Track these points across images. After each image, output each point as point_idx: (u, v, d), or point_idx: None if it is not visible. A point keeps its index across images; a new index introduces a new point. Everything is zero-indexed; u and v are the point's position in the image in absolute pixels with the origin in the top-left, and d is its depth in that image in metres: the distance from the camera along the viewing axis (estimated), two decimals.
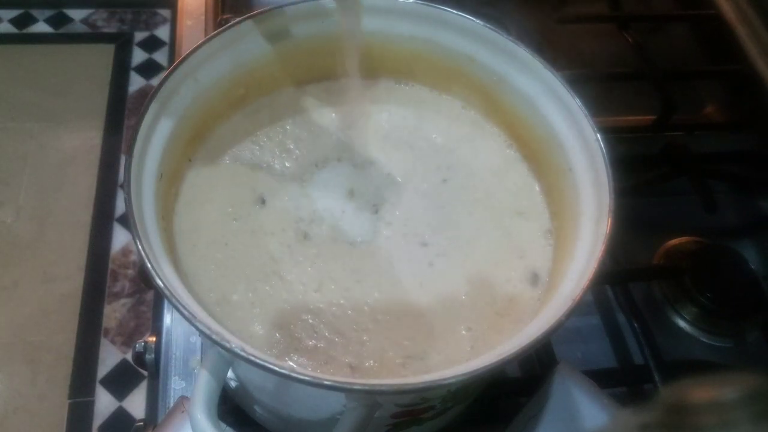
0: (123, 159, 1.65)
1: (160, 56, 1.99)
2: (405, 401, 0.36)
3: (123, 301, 1.51)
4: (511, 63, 0.44)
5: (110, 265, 1.56)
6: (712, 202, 0.62)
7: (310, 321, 0.38)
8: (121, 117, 1.83)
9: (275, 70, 0.47)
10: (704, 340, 0.58)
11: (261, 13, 0.43)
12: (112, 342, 1.45)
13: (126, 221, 0.35)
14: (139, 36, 2.02)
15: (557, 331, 0.31)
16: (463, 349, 0.37)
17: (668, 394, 0.26)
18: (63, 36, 2.00)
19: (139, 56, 1.97)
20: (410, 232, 0.43)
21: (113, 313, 1.50)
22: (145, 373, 0.52)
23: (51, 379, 1.39)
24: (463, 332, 0.38)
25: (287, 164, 0.45)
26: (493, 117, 0.48)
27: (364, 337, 0.38)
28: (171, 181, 0.41)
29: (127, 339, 1.46)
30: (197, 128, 0.43)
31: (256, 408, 0.44)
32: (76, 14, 2.05)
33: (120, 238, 1.61)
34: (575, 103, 0.41)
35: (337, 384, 0.29)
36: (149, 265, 0.32)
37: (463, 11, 0.44)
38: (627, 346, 0.56)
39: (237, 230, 0.41)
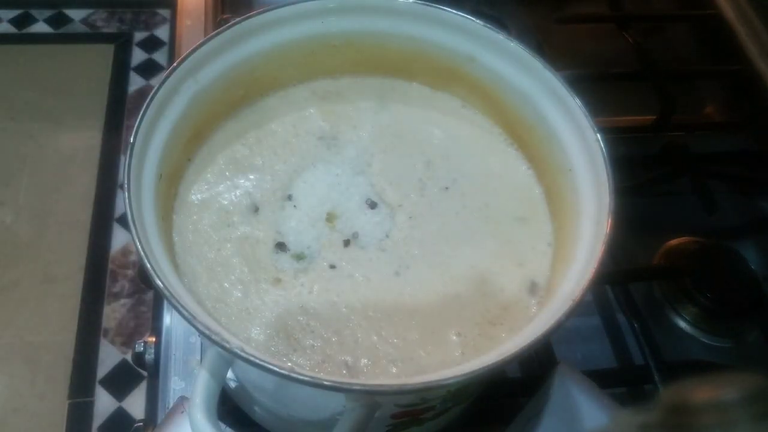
0: (123, 159, 1.65)
1: (160, 56, 1.98)
2: (405, 401, 0.36)
3: (123, 301, 1.51)
4: (511, 63, 0.44)
5: (110, 266, 1.56)
6: (712, 202, 0.62)
7: (306, 321, 0.38)
8: (120, 117, 1.83)
9: (274, 70, 0.47)
10: (704, 340, 0.58)
11: (260, 12, 0.43)
12: (112, 342, 1.45)
13: (126, 221, 0.35)
14: (139, 36, 2.02)
15: (557, 331, 0.31)
16: (453, 354, 0.37)
17: (668, 394, 0.26)
18: (63, 36, 2.00)
19: (138, 56, 1.97)
20: (406, 235, 0.43)
21: (113, 313, 1.49)
22: (145, 373, 0.52)
23: (51, 380, 1.39)
24: (453, 337, 0.38)
25: (283, 167, 0.45)
26: (493, 117, 0.48)
27: (358, 335, 0.38)
28: (171, 181, 0.41)
29: (127, 339, 1.46)
30: (197, 128, 0.43)
31: (256, 408, 0.44)
32: (76, 14, 2.05)
33: (120, 238, 1.61)
34: (575, 103, 0.41)
35: (336, 384, 0.29)
36: (149, 265, 0.32)
37: (462, 11, 0.44)
38: (627, 346, 0.56)
39: (231, 235, 0.41)
